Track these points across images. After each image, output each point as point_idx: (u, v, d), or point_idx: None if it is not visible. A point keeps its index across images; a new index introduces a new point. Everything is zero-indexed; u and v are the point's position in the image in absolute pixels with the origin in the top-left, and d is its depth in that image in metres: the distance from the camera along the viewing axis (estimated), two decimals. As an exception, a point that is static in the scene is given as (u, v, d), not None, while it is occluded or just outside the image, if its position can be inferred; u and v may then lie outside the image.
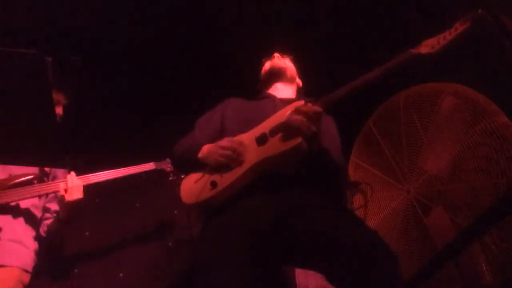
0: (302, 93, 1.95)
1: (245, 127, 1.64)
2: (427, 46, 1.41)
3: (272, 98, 1.81)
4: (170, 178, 2.34)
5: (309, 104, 1.46)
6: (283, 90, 1.87)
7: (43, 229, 2.14)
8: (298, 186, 1.50)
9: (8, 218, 1.98)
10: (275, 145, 1.47)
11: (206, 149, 1.60)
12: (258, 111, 1.72)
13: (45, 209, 2.19)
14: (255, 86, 1.98)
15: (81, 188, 2.04)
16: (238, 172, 1.49)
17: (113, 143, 2.70)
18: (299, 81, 1.97)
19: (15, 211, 2.02)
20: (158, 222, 2.66)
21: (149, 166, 2.30)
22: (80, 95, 2.50)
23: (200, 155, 1.60)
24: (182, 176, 1.70)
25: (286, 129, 1.45)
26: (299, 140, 1.40)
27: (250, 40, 2.57)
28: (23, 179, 2.02)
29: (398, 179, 2.32)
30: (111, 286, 2.49)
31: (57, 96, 2.20)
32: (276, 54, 1.96)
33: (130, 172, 2.22)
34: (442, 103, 2.14)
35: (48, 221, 2.18)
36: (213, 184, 1.49)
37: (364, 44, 2.62)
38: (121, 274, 2.51)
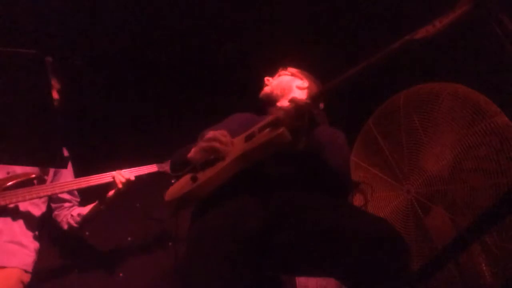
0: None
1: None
2: (423, 31, 1.34)
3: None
4: (173, 181, 2.31)
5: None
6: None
7: (69, 219, 2.19)
8: (288, 187, 1.46)
9: (7, 220, 1.98)
10: (259, 138, 1.42)
11: (193, 148, 1.56)
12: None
13: (61, 200, 2.22)
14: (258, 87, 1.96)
15: (124, 180, 2.13)
16: (220, 165, 1.42)
17: (113, 143, 2.70)
18: (305, 85, 1.89)
19: (13, 212, 2.01)
20: (158, 222, 2.66)
21: (152, 168, 2.28)
22: (81, 95, 2.51)
23: (189, 155, 1.55)
24: None
25: (273, 124, 1.41)
26: (281, 129, 1.34)
27: (252, 40, 2.58)
28: (23, 179, 2.01)
29: (398, 179, 2.32)
30: (111, 286, 2.49)
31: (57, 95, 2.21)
32: (267, 79, 1.93)
33: (133, 173, 2.20)
34: (442, 103, 2.14)
35: (72, 210, 2.22)
36: (194, 179, 1.42)
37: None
38: (121, 274, 2.52)
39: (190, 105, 2.76)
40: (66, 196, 2.24)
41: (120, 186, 2.10)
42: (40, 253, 2.12)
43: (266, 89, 1.88)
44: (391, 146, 2.39)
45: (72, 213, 2.22)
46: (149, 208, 2.69)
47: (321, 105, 1.85)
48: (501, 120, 1.93)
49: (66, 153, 2.32)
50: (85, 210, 2.22)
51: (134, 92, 2.85)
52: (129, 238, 2.62)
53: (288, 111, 1.36)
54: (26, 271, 1.98)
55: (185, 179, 1.49)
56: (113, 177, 2.11)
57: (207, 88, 2.81)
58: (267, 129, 1.43)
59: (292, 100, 1.37)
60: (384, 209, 2.36)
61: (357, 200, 2.51)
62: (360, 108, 2.49)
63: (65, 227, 2.22)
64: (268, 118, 1.47)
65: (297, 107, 1.35)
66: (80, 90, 2.56)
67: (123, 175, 2.12)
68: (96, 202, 2.20)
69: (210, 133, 1.50)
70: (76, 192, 2.30)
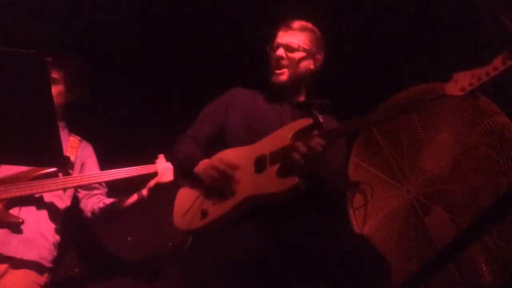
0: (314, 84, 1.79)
1: (248, 135, 1.60)
2: (457, 85, 1.19)
3: (280, 104, 1.72)
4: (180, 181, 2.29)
5: (314, 133, 1.39)
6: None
7: (101, 206, 2.15)
8: (294, 212, 1.46)
9: (31, 209, 1.97)
10: (271, 181, 1.40)
11: (202, 165, 1.56)
12: (264, 118, 1.65)
13: (90, 188, 2.20)
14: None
15: (171, 171, 2.10)
16: (229, 204, 1.43)
17: (115, 142, 2.70)
18: (313, 62, 1.74)
19: (38, 203, 2.01)
20: (158, 222, 2.65)
21: None
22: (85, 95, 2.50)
23: (196, 169, 1.56)
24: None
25: (286, 160, 1.39)
26: (295, 180, 1.34)
27: (251, 38, 2.58)
28: (48, 170, 2.00)
29: (398, 179, 2.32)
30: (111, 286, 2.50)
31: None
32: (279, 54, 1.67)
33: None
34: (442, 103, 2.14)
35: (103, 199, 2.18)
36: (204, 214, 1.45)
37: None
38: (121, 274, 2.52)
39: (192, 103, 2.75)
40: (95, 184, 2.20)
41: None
42: (60, 245, 2.09)
43: (282, 78, 1.68)
44: (391, 146, 2.38)
45: (105, 201, 2.18)
46: (148, 207, 2.69)
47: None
48: (501, 120, 1.93)
49: (89, 147, 2.32)
50: (119, 201, 2.18)
51: (133, 91, 2.85)
52: (129, 238, 2.62)
53: (302, 159, 1.34)
54: (41, 268, 1.95)
55: (194, 208, 1.50)
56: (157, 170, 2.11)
57: (209, 86, 2.81)
58: (278, 165, 1.41)
59: (310, 148, 1.35)
60: (384, 209, 2.35)
61: (357, 200, 2.51)
62: (360, 108, 2.48)
63: (94, 214, 2.16)
64: (282, 143, 1.44)
65: (314, 150, 1.35)
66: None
67: (168, 166, 2.10)
68: (135, 194, 2.15)
69: (221, 164, 1.48)
70: (103, 183, 2.26)
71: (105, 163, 2.34)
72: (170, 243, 2.63)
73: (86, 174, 2.13)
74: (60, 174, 2.05)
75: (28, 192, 1.91)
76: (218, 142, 1.75)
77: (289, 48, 1.68)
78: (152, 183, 2.11)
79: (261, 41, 1.90)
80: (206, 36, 2.69)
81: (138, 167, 2.13)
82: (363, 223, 2.39)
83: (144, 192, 2.12)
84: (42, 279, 1.96)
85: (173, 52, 2.76)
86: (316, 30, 1.78)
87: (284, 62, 1.68)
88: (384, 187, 2.40)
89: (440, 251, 1.95)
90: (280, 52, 1.68)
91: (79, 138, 2.31)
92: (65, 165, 2.11)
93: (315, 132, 1.40)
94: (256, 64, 1.95)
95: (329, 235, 1.39)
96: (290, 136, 1.46)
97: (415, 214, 2.17)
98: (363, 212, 2.44)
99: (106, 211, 2.16)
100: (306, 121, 1.49)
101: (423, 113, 2.22)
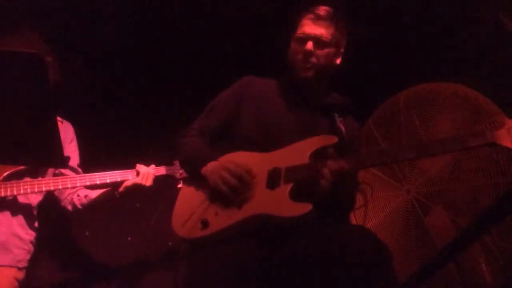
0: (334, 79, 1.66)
1: (261, 137, 1.51)
2: (509, 135, 1.13)
3: (299, 105, 1.60)
4: (179, 186, 2.09)
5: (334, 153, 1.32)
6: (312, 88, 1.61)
7: (75, 199, 2.11)
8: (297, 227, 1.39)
9: (4, 210, 1.92)
10: (283, 203, 1.32)
11: (210, 167, 1.45)
12: (281, 121, 1.55)
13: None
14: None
15: (153, 176, 2.09)
16: (233, 218, 1.34)
17: (114, 143, 2.70)
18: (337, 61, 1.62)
19: (12, 202, 1.94)
20: (158, 222, 2.65)
21: (160, 170, 2.18)
22: (82, 94, 2.50)
23: (203, 170, 1.46)
24: None
25: (301, 180, 1.33)
26: (309, 208, 1.28)
27: (252, 38, 2.58)
28: (20, 168, 1.91)
29: (398, 179, 2.32)
30: (111, 285, 2.49)
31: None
32: (309, 48, 1.50)
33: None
34: (442, 103, 2.14)
35: (77, 190, 2.12)
36: (204, 224, 1.36)
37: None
38: (120, 274, 2.52)
39: (191, 104, 2.75)
40: (70, 173, 2.12)
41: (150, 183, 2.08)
42: (36, 245, 2.05)
43: (309, 74, 1.54)
44: (391, 146, 2.38)
45: (79, 193, 2.13)
46: (148, 207, 2.69)
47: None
48: (501, 120, 1.92)
49: (70, 129, 2.24)
50: (93, 193, 2.13)
51: (133, 92, 2.85)
52: (129, 238, 2.62)
53: (327, 187, 1.29)
54: (20, 268, 1.92)
55: (196, 215, 1.42)
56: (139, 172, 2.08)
57: (208, 87, 2.81)
58: (292, 185, 1.34)
59: (330, 170, 1.30)
60: (384, 209, 2.35)
61: (357, 200, 2.51)
62: (360, 108, 2.49)
63: (69, 207, 2.12)
64: (300, 159, 1.37)
65: (335, 175, 1.30)
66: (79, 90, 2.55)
67: (150, 171, 2.09)
68: (108, 188, 2.10)
69: (234, 167, 1.38)
70: (80, 170, 2.19)
71: (104, 163, 2.34)
72: (170, 243, 2.63)
73: (65, 177, 2.03)
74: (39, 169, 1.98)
75: (2, 194, 1.84)
76: (222, 137, 1.67)
77: (319, 42, 1.53)
78: (130, 182, 2.07)
79: (261, 41, 1.90)
80: (206, 36, 2.69)
81: (120, 171, 2.09)
82: (363, 223, 2.39)
83: (120, 188, 2.07)
84: (21, 275, 1.93)
85: (173, 52, 2.76)
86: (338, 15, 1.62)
87: (313, 57, 1.53)
88: (384, 187, 2.39)
89: (440, 251, 1.95)
90: (310, 45, 1.52)
91: (61, 119, 2.20)
92: (66, 165, 2.08)
93: (343, 159, 1.32)
94: (256, 64, 1.95)
95: (331, 236, 1.37)
96: (309, 153, 1.39)
97: (415, 214, 2.17)
98: (363, 212, 2.44)
99: (80, 203, 2.12)
100: (330, 139, 1.42)
101: (423, 113, 2.22)
